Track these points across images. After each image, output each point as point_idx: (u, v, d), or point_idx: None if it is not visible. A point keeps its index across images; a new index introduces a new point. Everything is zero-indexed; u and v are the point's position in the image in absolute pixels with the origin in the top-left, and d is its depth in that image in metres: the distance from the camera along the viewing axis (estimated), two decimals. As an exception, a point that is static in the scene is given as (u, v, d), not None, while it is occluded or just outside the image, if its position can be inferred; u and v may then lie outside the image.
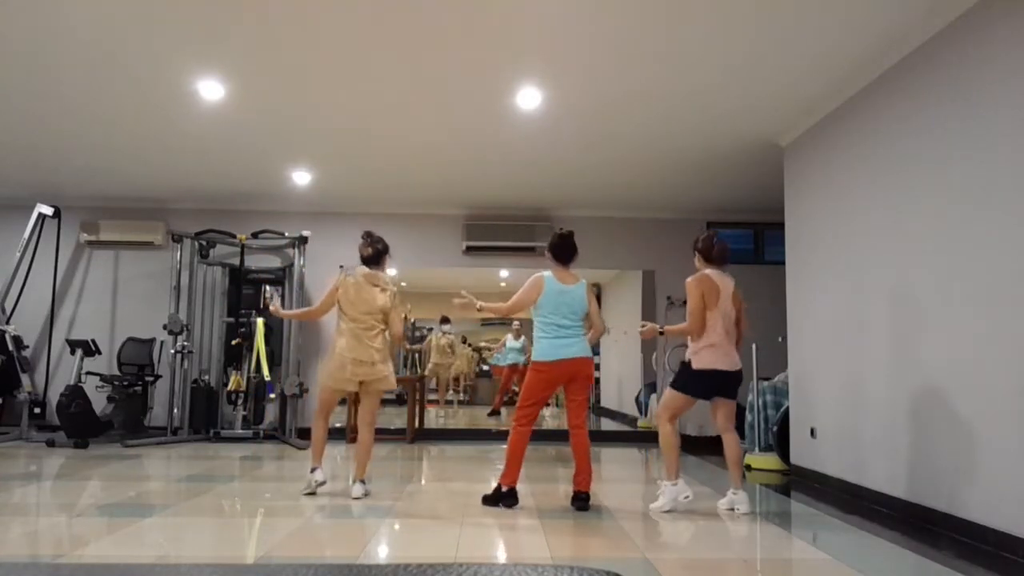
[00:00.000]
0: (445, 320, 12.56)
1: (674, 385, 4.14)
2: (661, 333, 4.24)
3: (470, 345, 15.63)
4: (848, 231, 4.76)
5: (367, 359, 4.25)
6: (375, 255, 4.42)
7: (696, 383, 4.06)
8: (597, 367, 13.51)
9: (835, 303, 4.92)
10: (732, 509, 4.00)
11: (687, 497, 4.01)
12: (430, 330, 12.47)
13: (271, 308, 4.62)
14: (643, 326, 4.26)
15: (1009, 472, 3.24)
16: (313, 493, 4.34)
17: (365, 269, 4.40)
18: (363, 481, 4.33)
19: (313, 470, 4.36)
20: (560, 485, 4.81)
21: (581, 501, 4.02)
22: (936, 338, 3.79)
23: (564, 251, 4.20)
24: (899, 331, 4.13)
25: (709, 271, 4.12)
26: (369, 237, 4.47)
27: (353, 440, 7.30)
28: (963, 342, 3.57)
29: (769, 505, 4.52)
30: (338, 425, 7.89)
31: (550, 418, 10.64)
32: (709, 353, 4.00)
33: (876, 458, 4.33)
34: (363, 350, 4.25)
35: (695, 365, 4.04)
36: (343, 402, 7.01)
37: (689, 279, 4.12)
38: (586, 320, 4.20)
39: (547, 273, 4.18)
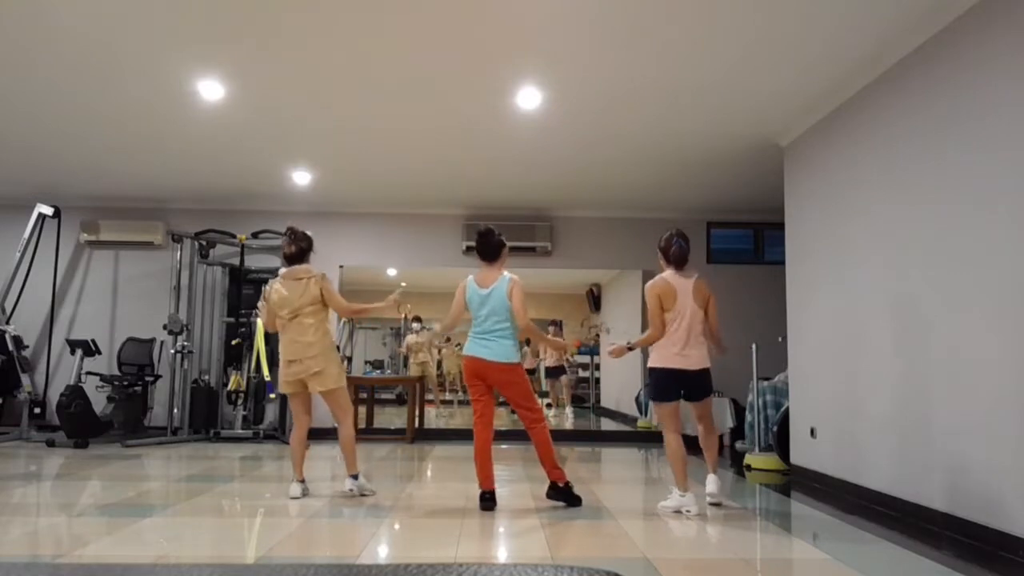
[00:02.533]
0: (416, 319, 12.56)
1: (650, 396, 4.18)
2: (630, 348, 4.24)
3: (459, 345, 15.62)
4: (848, 231, 4.76)
5: (296, 357, 4.22)
6: (298, 253, 4.37)
7: (657, 385, 4.05)
8: (597, 367, 13.54)
9: (835, 303, 4.92)
10: (708, 491, 4.11)
11: (689, 512, 3.90)
12: (428, 330, 12.48)
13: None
14: (611, 345, 4.32)
15: (1009, 472, 3.24)
16: (295, 498, 4.25)
17: (284, 270, 4.38)
18: (353, 477, 4.30)
19: (292, 482, 4.32)
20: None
21: (554, 491, 4.08)
22: (936, 338, 3.79)
23: (484, 249, 4.17)
24: (899, 331, 4.13)
25: (666, 273, 4.15)
26: (292, 234, 4.41)
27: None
28: (963, 342, 3.57)
29: (769, 505, 4.52)
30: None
31: (551, 417, 10.63)
32: (664, 351, 4.00)
33: (876, 458, 4.33)
34: (294, 349, 4.23)
35: (650, 363, 4.09)
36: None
37: (646, 286, 4.15)
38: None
39: (470, 277, 4.19)
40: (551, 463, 4.09)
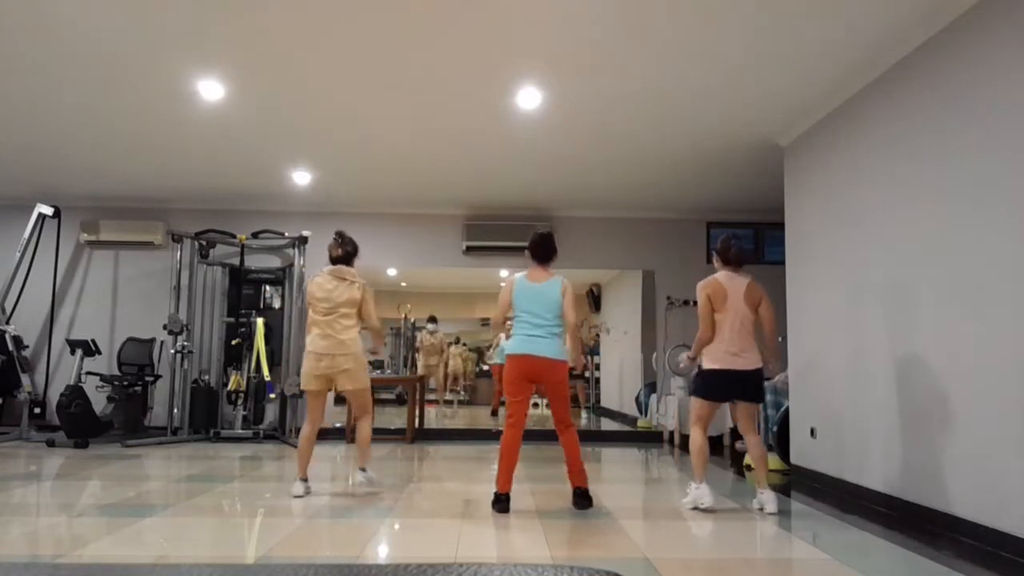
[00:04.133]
0: (432, 319, 12.57)
1: (692, 391, 4.20)
2: (692, 359, 4.27)
3: (465, 345, 15.64)
4: (848, 231, 4.76)
5: (328, 352, 4.26)
6: (344, 256, 4.48)
7: (705, 384, 4.11)
8: (597, 367, 13.55)
9: (835, 303, 4.92)
10: (760, 508, 4.05)
11: (703, 503, 4.01)
12: (419, 329, 12.51)
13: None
14: (681, 359, 4.37)
15: (1009, 472, 3.24)
16: (299, 496, 4.31)
17: (329, 267, 4.46)
18: (363, 469, 4.44)
19: (295, 480, 4.36)
20: (560, 485, 4.80)
21: (578, 497, 4.04)
22: (936, 338, 3.79)
23: (539, 250, 4.23)
24: (899, 331, 4.13)
25: (719, 274, 4.18)
26: (340, 238, 4.53)
27: (352, 440, 7.33)
28: (963, 342, 3.57)
29: (778, 508, 4.51)
30: (338, 425, 7.91)
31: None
32: (715, 353, 4.05)
33: (876, 458, 4.33)
34: (326, 344, 4.28)
35: (703, 365, 4.11)
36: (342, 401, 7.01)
37: (698, 284, 4.19)
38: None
39: (519, 275, 4.23)
40: (580, 467, 4.08)
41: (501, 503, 3.97)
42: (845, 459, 4.71)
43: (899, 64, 4.17)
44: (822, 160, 5.14)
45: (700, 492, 4.04)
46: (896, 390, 4.14)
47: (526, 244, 4.35)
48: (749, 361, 4.04)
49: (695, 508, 4.06)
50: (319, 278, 4.43)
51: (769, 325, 4.13)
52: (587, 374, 12.14)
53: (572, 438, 4.09)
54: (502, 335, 11.90)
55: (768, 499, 4.01)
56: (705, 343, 4.11)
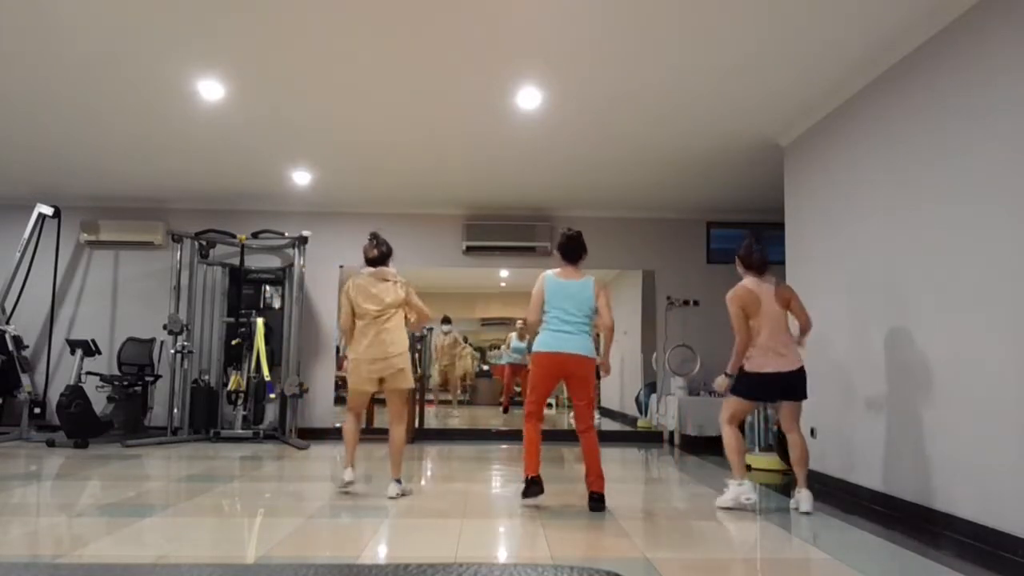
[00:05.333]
0: (446, 320, 12.54)
1: (731, 390, 4.20)
2: (728, 375, 4.19)
3: (470, 344, 15.61)
4: (848, 231, 4.76)
5: (381, 355, 4.30)
6: (380, 257, 4.49)
7: (746, 385, 4.12)
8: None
9: (835, 303, 4.91)
10: (796, 508, 4.06)
11: (749, 499, 4.02)
12: (430, 330, 12.50)
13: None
14: (717, 383, 4.26)
15: (1008, 471, 3.24)
16: (346, 492, 4.39)
17: (371, 269, 4.45)
18: (398, 480, 4.37)
19: (345, 468, 4.44)
20: (562, 485, 4.81)
21: (595, 502, 4.03)
22: (936, 338, 3.79)
23: (569, 250, 4.31)
24: (899, 331, 4.13)
25: (746, 280, 4.21)
26: (375, 239, 4.53)
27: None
28: (963, 342, 3.57)
29: (769, 505, 4.51)
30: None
31: (557, 418, 10.63)
32: (758, 357, 4.07)
33: (876, 458, 4.33)
34: (378, 348, 4.31)
35: (746, 368, 4.11)
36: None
37: (728, 295, 4.18)
38: (596, 318, 4.22)
39: (548, 272, 4.28)
40: (599, 471, 4.08)
41: (535, 485, 4.02)
42: (845, 459, 4.71)
43: (899, 64, 4.17)
44: (822, 160, 5.14)
45: (743, 489, 4.04)
46: (896, 389, 4.14)
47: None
48: (792, 361, 4.06)
49: (731, 508, 4.03)
50: (360, 281, 4.40)
51: (805, 321, 4.19)
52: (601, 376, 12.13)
53: (594, 441, 4.10)
54: (513, 335, 11.91)
55: (804, 498, 4.02)
56: (744, 352, 4.10)
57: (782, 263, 5.86)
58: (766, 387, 4.10)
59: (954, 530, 3.57)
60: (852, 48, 4.18)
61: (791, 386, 4.08)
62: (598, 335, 4.31)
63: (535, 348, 4.16)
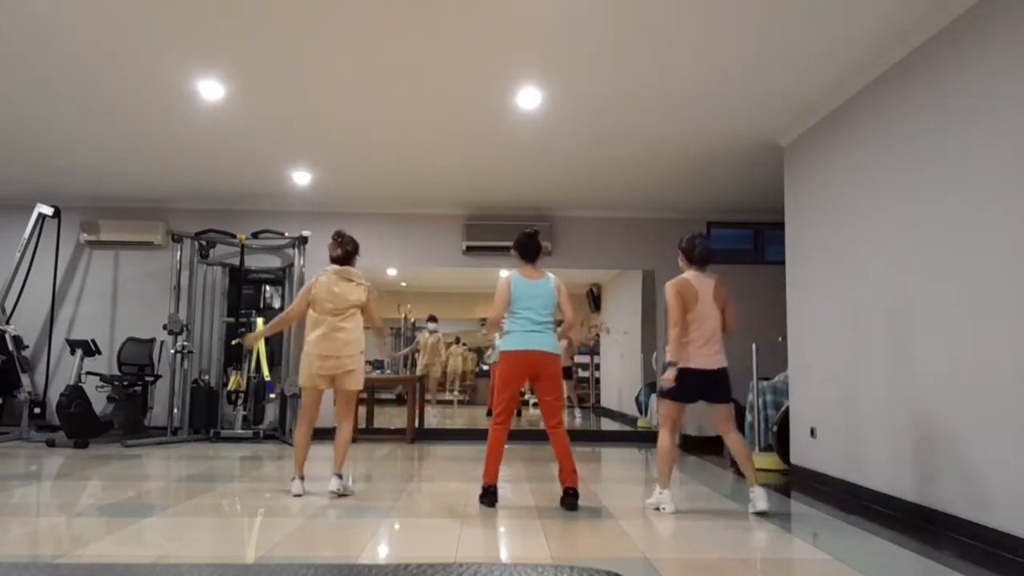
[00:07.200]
0: (432, 319, 12.58)
1: (661, 393, 4.17)
2: (674, 365, 4.06)
3: (465, 344, 15.62)
4: (848, 231, 4.76)
5: (333, 353, 4.29)
6: (344, 256, 4.49)
7: (677, 385, 4.02)
8: (597, 367, 13.56)
9: (835, 303, 4.92)
10: (753, 508, 4.01)
11: (662, 509, 4.00)
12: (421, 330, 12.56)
13: (246, 341, 4.84)
14: (665, 380, 4.11)
15: (1008, 472, 3.24)
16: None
17: (334, 267, 4.46)
18: (339, 476, 4.35)
19: (293, 479, 4.39)
20: (559, 485, 4.80)
21: (570, 498, 4.03)
22: (936, 338, 3.79)
23: (530, 249, 4.33)
24: (899, 331, 4.13)
25: (687, 273, 4.16)
26: (340, 237, 4.54)
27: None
28: (963, 342, 3.57)
29: (769, 505, 4.51)
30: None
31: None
32: (689, 353, 4.02)
33: (876, 458, 4.33)
34: (330, 345, 4.29)
35: (669, 360, 4.07)
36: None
37: (667, 284, 4.14)
38: (558, 312, 4.27)
39: (514, 271, 4.30)
40: (573, 466, 4.09)
41: (491, 495, 4.05)
42: (845, 459, 4.71)
43: (899, 64, 4.17)
44: (822, 160, 5.14)
45: (663, 497, 4.03)
46: (896, 389, 4.14)
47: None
48: (717, 360, 4.04)
49: (657, 509, 4.04)
50: (324, 278, 4.41)
51: (733, 324, 4.15)
52: (573, 372, 12.24)
53: (564, 437, 4.13)
54: (497, 336, 11.92)
55: (758, 496, 3.99)
56: (679, 340, 4.01)
57: (782, 263, 5.86)
58: (694, 387, 4.02)
59: (954, 530, 3.57)
60: (852, 48, 4.18)
61: (715, 384, 4.03)
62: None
63: (504, 348, 4.18)
